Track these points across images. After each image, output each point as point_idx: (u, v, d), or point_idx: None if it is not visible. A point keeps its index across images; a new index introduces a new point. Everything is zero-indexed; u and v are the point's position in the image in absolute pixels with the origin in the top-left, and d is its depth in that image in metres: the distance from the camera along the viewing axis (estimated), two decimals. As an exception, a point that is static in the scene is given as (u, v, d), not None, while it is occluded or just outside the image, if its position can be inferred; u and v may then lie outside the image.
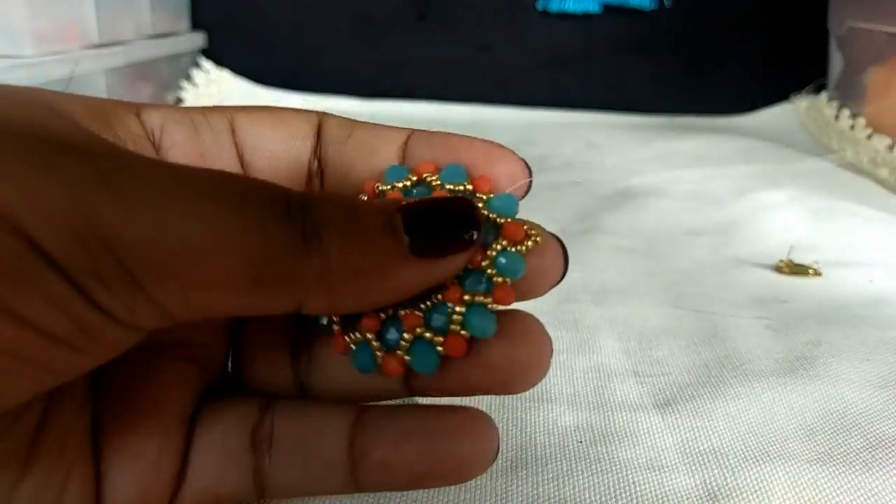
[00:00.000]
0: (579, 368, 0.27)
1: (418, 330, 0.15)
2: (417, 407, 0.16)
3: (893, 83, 0.60)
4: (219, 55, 0.81)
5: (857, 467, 0.21)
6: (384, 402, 0.17)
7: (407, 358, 0.15)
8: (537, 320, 0.16)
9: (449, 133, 0.17)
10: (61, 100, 0.15)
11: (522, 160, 0.17)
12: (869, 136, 0.61)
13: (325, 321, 0.16)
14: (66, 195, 0.11)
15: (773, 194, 0.50)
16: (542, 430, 0.23)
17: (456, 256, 0.14)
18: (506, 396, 0.24)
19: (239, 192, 0.12)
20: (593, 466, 0.21)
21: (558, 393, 0.25)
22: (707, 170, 0.57)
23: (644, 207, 0.48)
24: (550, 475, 0.21)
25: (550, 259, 0.16)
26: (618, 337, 0.30)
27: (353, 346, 0.16)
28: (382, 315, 0.15)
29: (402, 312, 0.15)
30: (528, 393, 0.25)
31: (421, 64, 0.82)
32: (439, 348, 0.15)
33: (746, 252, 0.40)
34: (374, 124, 0.18)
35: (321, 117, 0.18)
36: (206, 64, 0.80)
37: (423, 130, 0.18)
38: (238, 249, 0.12)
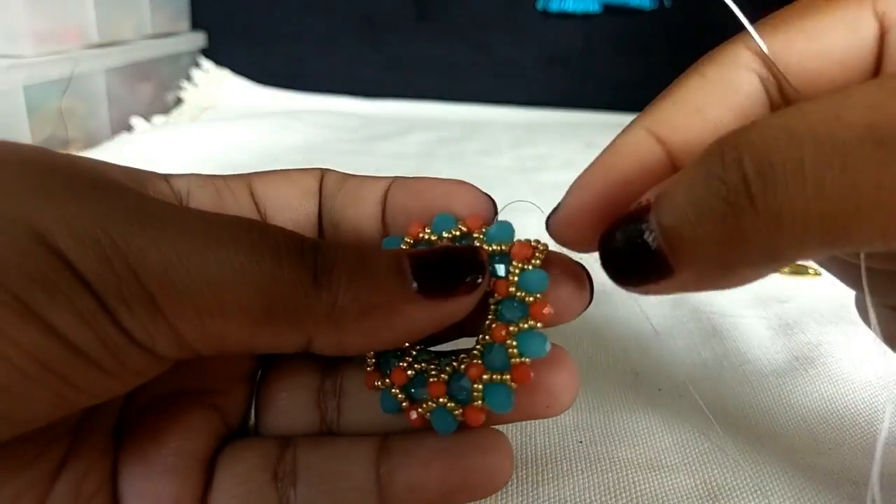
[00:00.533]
0: (579, 368, 0.27)
1: (441, 400, 0.16)
2: (438, 436, 0.17)
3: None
4: (219, 55, 0.81)
5: (857, 468, 0.21)
6: (411, 433, 0.17)
7: (428, 416, 0.16)
8: (569, 366, 0.17)
9: (423, 178, 0.18)
10: (100, 163, 0.16)
11: (485, 195, 0.18)
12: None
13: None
14: (97, 220, 0.12)
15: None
16: (542, 430, 0.23)
17: (462, 298, 0.15)
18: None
19: (256, 232, 0.14)
20: (593, 466, 0.21)
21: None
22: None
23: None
24: (550, 475, 0.21)
25: (573, 286, 0.17)
26: (618, 337, 0.30)
27: (380, 387, 0.17)
28: (411, 372, 0.17)
29: (431, 381, 0.16)
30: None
31: (421, 64, 0.82)
32: (458, 414, 0.16)
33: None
34: (364, 177, 0.19)
35: (323, 173, 0.19)
36: (206, 64, 0.80)
37: (403, 178, 0.18)
38: (252, 282, 0.13)
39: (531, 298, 0.16)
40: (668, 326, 0.31)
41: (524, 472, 0.21)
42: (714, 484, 0.20)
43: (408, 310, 0.14)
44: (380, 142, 0.65)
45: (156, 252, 0.12)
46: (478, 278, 0.15)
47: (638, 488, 0.20)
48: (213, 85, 0.79)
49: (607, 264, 0.14)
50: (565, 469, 0.21)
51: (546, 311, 0.16)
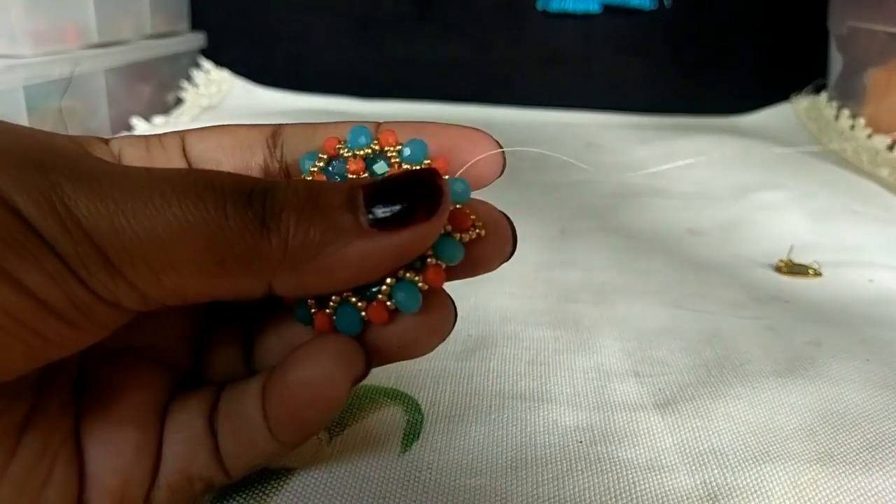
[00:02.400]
0: (579, 368, 0.27)
1: (346, 294, 0.16)
2: (282, 363, 0.17)
3: (893, 83, 0.60)
4: (219, 55, 0.81)
5: (857, 467, 0.21)
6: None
7: (334, 317, 0.16)
8: (450, 299, 0.17)
9: (424, 122, 0.18)
10: (46, 133, 0.16)
11: (496, 141, 0.18)
12: (869, 136, 0.61)
13: (302, 312, 0.17)
14: (53, 186, 0.13)
15: (773, 194, 0.50)
16: (542, 430, 0.23)
17: (419, 228, 0.14)
18: (507, 397, 0.24)
19: (202, 183, 0.14)
20: (593, 466, 0.21)
21: (558, 393, 0.25)
22: (707, 170, 0.57)
23: (644, 207, 0.48)
24: (550, 475, 0.21)
25: (498, 242, 0.17)
26: (618, 337, 0.30)
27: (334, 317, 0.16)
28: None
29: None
30: (528, 393, 0.25)
31: (421, 64, 0.82)
32: (363, 313, 0.16)
33: (746, 252, 0.40)
34: (338, 122, 0.18)
35: (278, 127, 0.19)
36: (206, 64, 0.80)
37: (394, 122, 0.18)
38: (199, 234, 0.13)
39: (433, 261, 0.16)
40: (669, 326, 0.31)
41: (524, 472, 0.21)
42: (714, 484, 0.20)
43: (361, 245, 0.14)
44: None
45: (106, 214, 0.13)
46: (435, 206, 0.14)
47: (638, 488, 0.20)
48: (213, 85, 0.79)
49: None
50: (565, 469, 0.21)
51: (439, 283, 0.16)
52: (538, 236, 0.41)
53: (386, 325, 0.16)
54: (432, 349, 0.17)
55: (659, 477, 0.21)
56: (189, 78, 0.78)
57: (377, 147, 0.17)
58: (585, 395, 0.25)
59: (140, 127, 0.64)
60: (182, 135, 0.19)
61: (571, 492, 0.20)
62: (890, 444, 0.22)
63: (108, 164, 0.14)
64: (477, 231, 0.16)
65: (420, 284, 0.16)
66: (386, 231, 0.14)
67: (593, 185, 0.53)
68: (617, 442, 0.22)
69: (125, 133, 0.62)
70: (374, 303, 0.16)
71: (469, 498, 0.19)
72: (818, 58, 0.76)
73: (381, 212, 0.14)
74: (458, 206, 0.16)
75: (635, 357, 0.28)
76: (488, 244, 0.17)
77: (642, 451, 0.22)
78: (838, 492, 0.20)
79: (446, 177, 0.16)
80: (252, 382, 0.17)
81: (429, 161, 0.17)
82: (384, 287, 0.16)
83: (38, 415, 0.15)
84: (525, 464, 0.21)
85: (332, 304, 0.16)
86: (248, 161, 0.18)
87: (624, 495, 0.20)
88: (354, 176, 0.17)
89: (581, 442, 0.22)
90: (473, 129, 0.18)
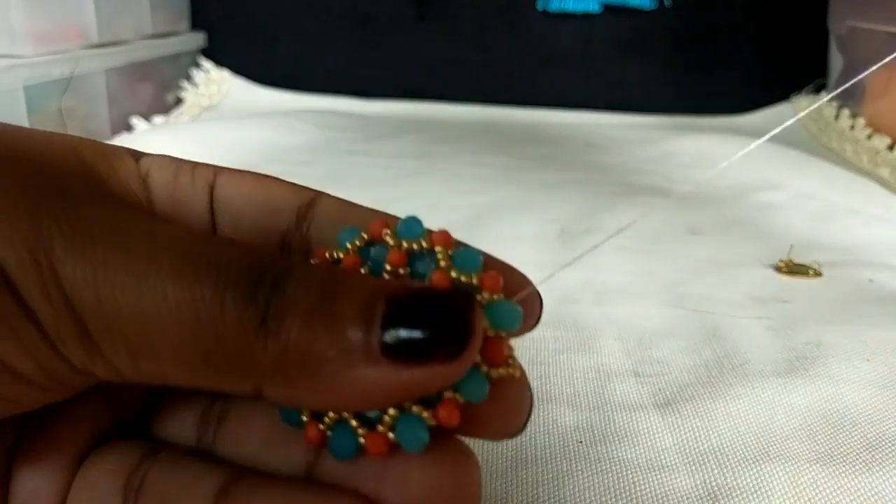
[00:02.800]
0: (579, 368, 0.27)
1: (346, 416, 0.13)
2: (291, 484, 0.14)
3: (893, 83, 0.60)
4: (219, 55, 0.81)
5: (857, 467, 0.21)
6: (263, 476, 0.15)
7: (329, 433, 0.14)
8: (471, 455, 0.14)
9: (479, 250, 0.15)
10: (71, 140, 0.15)
11: (538, 293, 0.15)
12: (869, 136, 0.61)
13: (291, 416, 0.14)
14: (42, 241, 0.12)
15: (773, 194, 0.50)
16: (542, 430, 0.23)
17: (438, 369, 0.12)
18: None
19: (205, 260, 0.12)
20: (593, 466, 0.21)
21: (558, 393, 0.25)
22: (707, 170, 0.57)
23: (644, 207, 0.48)
24: (550, 475, 0.21)
25: (517, 399, 0.14)
26: (618, 337, 0.30)
27: (329, 433, 0.14)
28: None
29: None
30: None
31: (421, 64, 0.82)
32: (360, 432, 0.13)
33: (746, 252, 0.40)
34: (383, 213, 0.16)
35: (317, 195, 0.17)
36: (206, 64, 0.80)
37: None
38: (186, 321, 0.11)
39: (451, 395, 0.13)
40: (669, 326, 0.31)
41: (524, 472, 0.21)
42: (714, 484, 0.20)
43: (367, 373, 0.11)
44: (379, 142, 0.65)
45: (92, 283, 0.11)
46: (462, 346, 0.11)
47: (638, 488, 0.20)
48: (213, 85, 0.79)
49: None
50: (565, 469, 0.21)
51: (453, 423, 0.13)
52: (538, 236, 0.41)
53: (386, 460, 0.13)
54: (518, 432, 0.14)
55: (659, 477, 0.21)
56: (189, 78, 0.78)
57: (427, 245, 0.14)
58: (585, 394, 0.25)
59: (140, 127, 0.64)
60: (216, 171, 0.17)
61: (571, 492, 0.20)
62: (890, 444, 0.22)
63: (112, 213, 0.13)
64: (510, 370, 0.14)
65: (429, 422, 0.13)
66: (399, 363, 0.11)
67: (593, 184, 0.53)
68: (617, 442, 0.22)
69: (125, 134, 0.62)
70: (372, 433, 0.13)
71: (469, 498, 0.19)
72: (818, 58, 0.76)
73: (399, 336, 0.11)
74: (500, 334, 0.14)
75: (635, 357, 0.28)
76: (509, 400, 0.14)
77: (642, 451, 0.22)
78: (838, 492, 0.20)
79: (495, 298, 0.14)
80: (204, 477, 0.14)
81: (478, 277, 0.14)
82: (386, 418, 0.13)
83: None
84: (525, 464, 0.21)
85: (328, 420, 0.14)
86: (271, 224, 0.16)
87: (624, 495, 0.20)
88: (391, 269, 0.14)
89: (581, 442, 0.22)
90: (521, 274, 0.15)
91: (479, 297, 0.14)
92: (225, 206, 0.17)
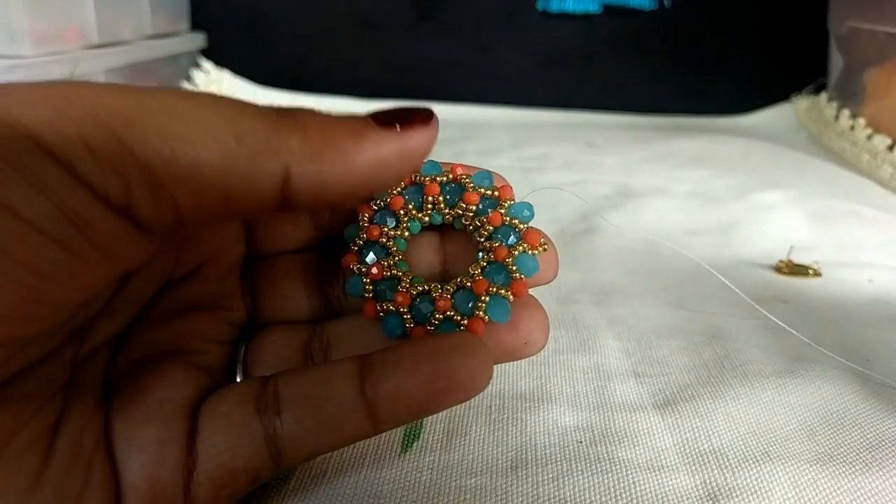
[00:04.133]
0: (579, 368, 0.27)
1: (448, 313, 0.18)
2: (415, 342, 0.17)
3: (893, 83, 0.60)
4: (219, 55, 0.81)
5: (857, 467, 0.21)
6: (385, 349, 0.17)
7: (430, 329, 0.18)
8: (542, 308, 0.19)
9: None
10: None
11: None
12: (869, 136, 0.61)
13: (357, 286, 0.19)
14: (56, 85, 0.12)
15: (773, 194, 0.50)
16: (542, 430, 0.23)
17: (419, 129, 0.15)
18: (507, 397, 0.24)
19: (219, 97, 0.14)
20: (593, 466, 0.21)
21: (558, 393, 0.25)
22: (707, 170, 0.57)
23: (644, 207, 0.48)
24: (550, 475, 0.21)
25: (553, 259, 0.19)
26: (618, 337, 0.30)
27: (382, 314, 0.18)
28: (413, 293, 0.18)
29: (436, 295, 0.18)
30: (528, 393, 0.25)
31: (421, 64, 0.82)
32: (462, 327, 0.18)
33: (746, 252, 0.40)
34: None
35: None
36: (206, 64, 0.80)
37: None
38: (218, 110, 0.13)
39: (518, 276, 0.18)
40: (669, 326, 0.31)
41: (524, 472, 0.21)
42: (714, 484, 0.20)
43: (373, 136, 0.15)
44: (380, 142, 0.65)
45: (116, 92, 0.13)
46: (430, 113, 0.16)
47: (638, 488, 0.20)
48: (213, 85, 0.79)
49: None
50: (565, 469, 0.21)
51: (524, 294, 0.18)
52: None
53: (510, 329, 0.18)
54: (544, 346, 0.19)
55: (659, 477, 0.21)
56: (189, 78, 0.78)
57: (451, 176, 0.20)
58: (585, 395, 0.25)
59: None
60: None
61: (571, 492, 0.20)
62: (890, 444, 0.22)
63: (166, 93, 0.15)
64: (544, 246, 0.19)
65: (509, 297, 0.18)
66: (392, 129, 0.15)
67: (593, 185, 0.53)
68: (617, 442, 0.22)
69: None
70: (473, 319, 0.18)
71: (469, 498, 0.19)
72: (818, 58, 0.76)
73: (385, 111, 0.16)
74: (528, 226, 0.19)
75: (635, 357, 0.28)
76: (550, 256, 0.19)
77: (642, 451, 0.22)
78: (838, 492, 0.20)
79: (512, 201, 0.19)
80: (337, 365, 0.17)
81: (494, 189, 0.19)
82: (479, 304, 0.18)
83: (68, 418, 0.15)
84: (525, 464, 0.21)
85: (434, 320, 0.18)
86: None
87: (624, 495, 0.20)
88: (432, 198, 0.19)
89: (581, 442, 0.22)
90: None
91: (500, 203, 0.19)
92: None
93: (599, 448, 0.22)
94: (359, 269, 0.19)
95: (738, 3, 0.79)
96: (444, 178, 0.19)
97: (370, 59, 0.83)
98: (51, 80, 0.13)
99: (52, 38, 0.52)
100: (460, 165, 0.20)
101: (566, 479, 0.20)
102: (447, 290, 0.18)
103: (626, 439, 0.22)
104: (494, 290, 0.18)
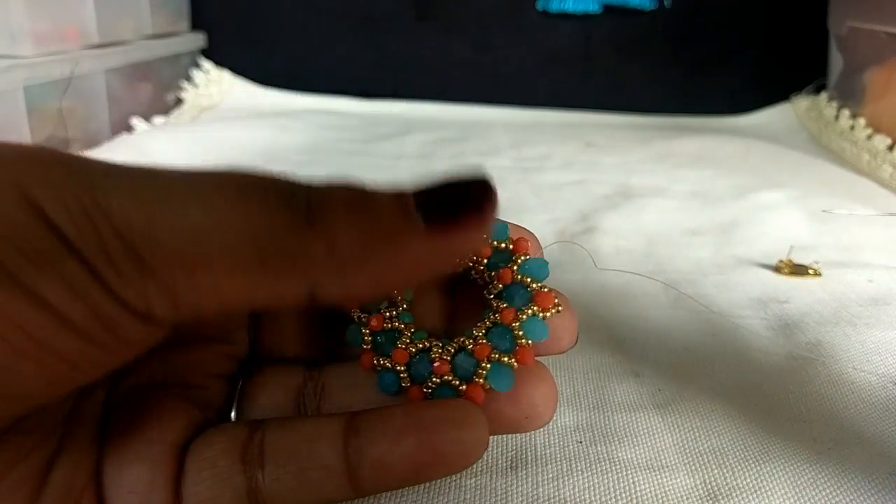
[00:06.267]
0: (579, 368, 0.27)
1: (447, 377, 0.17)
2: (407, 405, 0.17)
3: (893, 83, 0.60)
4: (219, 55, 0.81)
5: (856, 467, 0.21)
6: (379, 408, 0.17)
7: (429, 394, 0.17)
8: (550, 378, 0.17)
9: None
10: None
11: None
12: (869, 136, 0.61)
13: (357, 336, 0.18)
14: (82, 183, 0.12)
15: (773, 194, 0.50)
16: (541, 430, 0.23)
17: (470, 230, 0.13)
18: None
19: (240, 179, 0.13)
20: (593, 466, 0.21)
21: (558, 393, 0.25)
22: (707, 170, 0.57)
23: (644, 207, 0.47)
24: (550, 475, 0.21)
25: (570, 325, 0.18)
26: (618, 337, 0.30)
27: (378, 369, 0.17)
28: (412, 349, 0.17)
29: (436, 359, 0.17)
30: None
31: (421, 64, 0.82)
32: (462, 388, 0.17)
33: (746, 252, 0.40)
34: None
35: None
36: (206, 64, 0.80)
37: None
38: (239, 227, 0.12)
39: (524, 342, 0.17)
40: (668, 326, 0.31)
41: (524, 472, 0.21)
42: (714, 484, 0.20)
43: (414, 244, 0.13)
44: (379, 142, 0.65)
45: (138, 210, 0.12)
46: (488, 205, 0.13)
47: (638, 488, 0.20)
48: (213, 85, 0.79)
49: None
50: (565, 469, 0.21)
51: (531, 363, 0.17)
52: (538, 237, 0.41)
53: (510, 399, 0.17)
54: (548, 421, 0.17)
55: (659, 477, 0.21)
56: (189, 78, 0.78)
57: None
58: (585, 395, 0.25)
59: (140, 127, 0.64)
60: None
61: (571, 492, 0.20)
62: (889, 444, 0.22)
63: (142, 167, 0.14)
64: (558, 307, 0.17)
65: (513, 363, 0.17)
66: (437, 228, 0.13)
67: (593, 185, 0.53)
68: (616, 442, 0.22)
69: (125, 134, 0.62)
70: (472, 385, 0.17)
71: (468, 497, 0.19)
72: (818, 58, 0.76)
73: (433, 211, 0.13)
74: (542, 287, 0.17)
75: (635, 357, 0.28)
76: (565, 320, 0.18)
77: (642, 450, 0.22)
78: (838, 492, 0.20)
79: (527, 257, 0.18)
80: (325, 423, 0.16)
81: (509, 241, 0.19)
82: (480, 370, 0.17)
83: (63, 454, 0.15)
84: (525, 464, 0.21)
85: (430, 383, 0.17)
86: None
87: (624, 495, 0.20)
88: None
89: (581, 442, 0.22)
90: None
91: (513, 258, 0.18)
92: None
93: (599, 448, 0.22)
94: (359, 317, 0.18)
95: (738, 3, 0.79)
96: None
97: (370, 58, 0.83)
98: (77, 164, 0.12)
99: (52, 38, 0.52)
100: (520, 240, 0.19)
101: (566, 478, 0.20)
102: (448, 350, 0.17)
103: (625, 439, 0.22)
104: (497, 356, 0.17)
